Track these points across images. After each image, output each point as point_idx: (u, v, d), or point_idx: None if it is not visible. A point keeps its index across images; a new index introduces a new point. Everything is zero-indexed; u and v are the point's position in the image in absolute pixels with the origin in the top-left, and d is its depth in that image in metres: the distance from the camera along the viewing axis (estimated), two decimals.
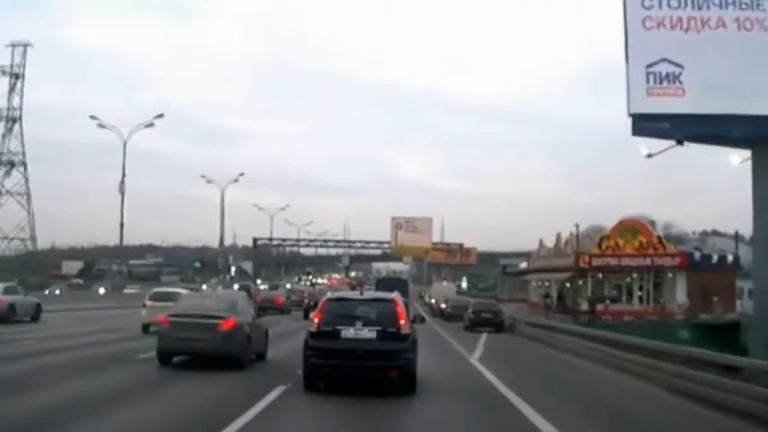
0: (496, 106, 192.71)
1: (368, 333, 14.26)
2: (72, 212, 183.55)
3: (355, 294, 16.28)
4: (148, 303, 28.61)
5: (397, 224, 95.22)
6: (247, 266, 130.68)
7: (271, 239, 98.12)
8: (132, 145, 61.36)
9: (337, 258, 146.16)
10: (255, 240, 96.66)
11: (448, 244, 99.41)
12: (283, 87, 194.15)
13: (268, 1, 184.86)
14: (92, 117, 59.06)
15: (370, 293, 17.74)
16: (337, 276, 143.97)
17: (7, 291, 32.85)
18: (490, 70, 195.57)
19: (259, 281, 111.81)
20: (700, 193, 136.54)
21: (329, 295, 16.70)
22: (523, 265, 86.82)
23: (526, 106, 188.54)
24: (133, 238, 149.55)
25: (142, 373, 17.07)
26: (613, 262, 64.41)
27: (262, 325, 21.35)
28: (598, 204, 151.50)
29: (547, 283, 76.74)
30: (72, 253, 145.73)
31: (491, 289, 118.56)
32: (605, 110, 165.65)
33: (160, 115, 59.27)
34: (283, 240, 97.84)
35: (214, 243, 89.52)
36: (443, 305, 56.67)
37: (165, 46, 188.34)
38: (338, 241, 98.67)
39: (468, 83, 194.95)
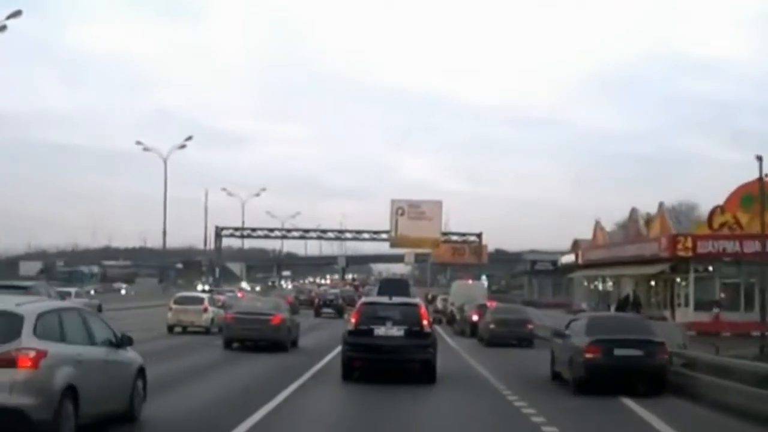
0: (500, 109, 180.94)
1: (397, 331, 16.05)
2: (67, 214, 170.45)
3: (385, 299, 18.08)
4: (173, 306, 30.40)
5: (398, 209, 70.37)
6: (236, 267, 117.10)
7: (238, 229, 73.48)
8: (133, 150, 53.41)
9: (333, 259, 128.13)
10: (219, 230, 72.17)
11: (463, 235, 74.57)
12: (286, 90, 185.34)
13: (271, 4, 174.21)
14: None
15: (398, 298, 18.26)
16: (315, 279, 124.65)
17: (77, 295, 34.29)
18: (494, 73, 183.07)
19: (243, 284, 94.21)
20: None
21: (364, 299, 20.38)
22: (567, 259, 62.14)
23: (530, 108, 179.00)
24: (125, 241, 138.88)
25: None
26: (730, 247, 39.81)
27: (296, 320, 26.98)
28: (602, 207, 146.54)
29: (610, 282, 52.15)
30: (43, 256, 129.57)
31: (506, 291, 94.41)
32: (609, 113, 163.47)
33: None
34: (253, 230, 73.07)
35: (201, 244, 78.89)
36: (475, 317, 31.98)
37: (167, 48, 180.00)
38: (323, 231, 73.84)
39: (472, 86, 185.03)
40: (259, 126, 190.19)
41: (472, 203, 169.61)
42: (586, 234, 59.62)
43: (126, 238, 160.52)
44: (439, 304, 54.70)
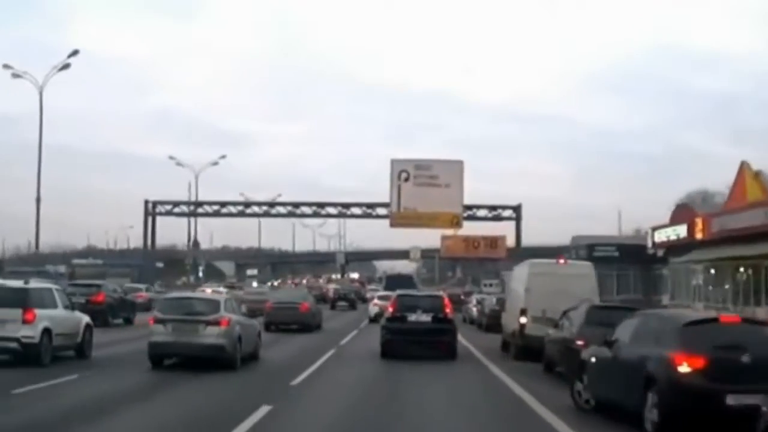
0: (503, 106, 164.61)
1: (425, 317, 18.28)
2: (55, 215, 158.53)
3: (415, 292, 23.42)
4: None
5: (401, 173, 47.03)
6: (226, 266, 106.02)
7: (177, 203, 49.91)
8: (134, 149, 41.45)
9: (331, 256, 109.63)
10: (150, 205, 48.88)
11: (494, 209, 50.64)
12: (287, 88, 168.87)
13: (272, 2, 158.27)
14: None
15: (425, 291, 24.68)
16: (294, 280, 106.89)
17: (148, 289, 41.24)
18: (496, 70, 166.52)
19: (206, 285, 75.90)
20: None
21: (398, 292, 21.59)
22: (663, 236, 38.14)
23: (533, 106, 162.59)
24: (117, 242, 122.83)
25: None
26: None
27: (319, 308, 31.89)
28: (607, 206, 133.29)
29: None
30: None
31: None
32: (613, 110, 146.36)
33: None
34: (199, 204, 49.56)
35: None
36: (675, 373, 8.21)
37: (167, 48, 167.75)
38: (295, 206, 50.26)
39: (475, 84, 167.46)
40: (260, 126, 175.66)
41: (474, 201, 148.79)
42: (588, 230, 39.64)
43: (111, 239, 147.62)
44: (473, 309, 31.21)
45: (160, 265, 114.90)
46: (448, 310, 18.54)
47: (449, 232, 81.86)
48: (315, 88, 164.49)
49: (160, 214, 50.78)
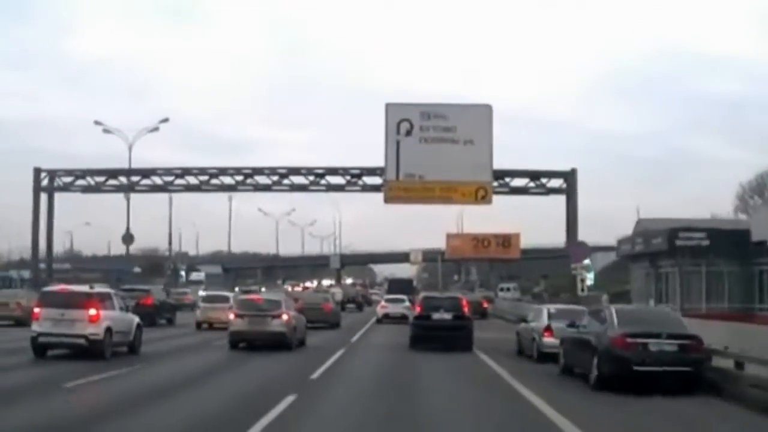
0: (506, 111, 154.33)
1: (447, 316, 21.51)
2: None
3: (438, 293, 27.03)
4: (201, 304, 31.78)
5: (401, 124, 31.44)
6: (212, 271, 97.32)
7: (85, 173, 34.25)
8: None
9: (325, 259, 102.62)
10: (45, 177, 33.36)
11: (536, 177, 34.35)
12: (290, 94, 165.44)
13: (275, 8, 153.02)
14: None
15: (447, 293, 29.04)
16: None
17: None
18: (501, 76, 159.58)
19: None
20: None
21: (424, 294, 25.90)
22: None
23: (538, 111, 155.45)
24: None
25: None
26: None
27: (338, 307, 37.29)
28: (610, 210, 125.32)
29: None
30: None
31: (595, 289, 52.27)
32: (616, 115, 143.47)
33: None
34: (112, 173, 34.03)
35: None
36: None
37: (167, 54, 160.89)
38: (247, 175, 34.54)
39: (479, 90, 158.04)
40: (259, 132, 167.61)
41: (479, 207, 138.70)
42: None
43: (94, 245, 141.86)
44: (538, 331, 15.76)
45: (137, 269, 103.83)
46: (466, 310, 22.16)
47: (456, 231, 68.57)
48: (318, 96, 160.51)
49: (59, 189, 34.99)
